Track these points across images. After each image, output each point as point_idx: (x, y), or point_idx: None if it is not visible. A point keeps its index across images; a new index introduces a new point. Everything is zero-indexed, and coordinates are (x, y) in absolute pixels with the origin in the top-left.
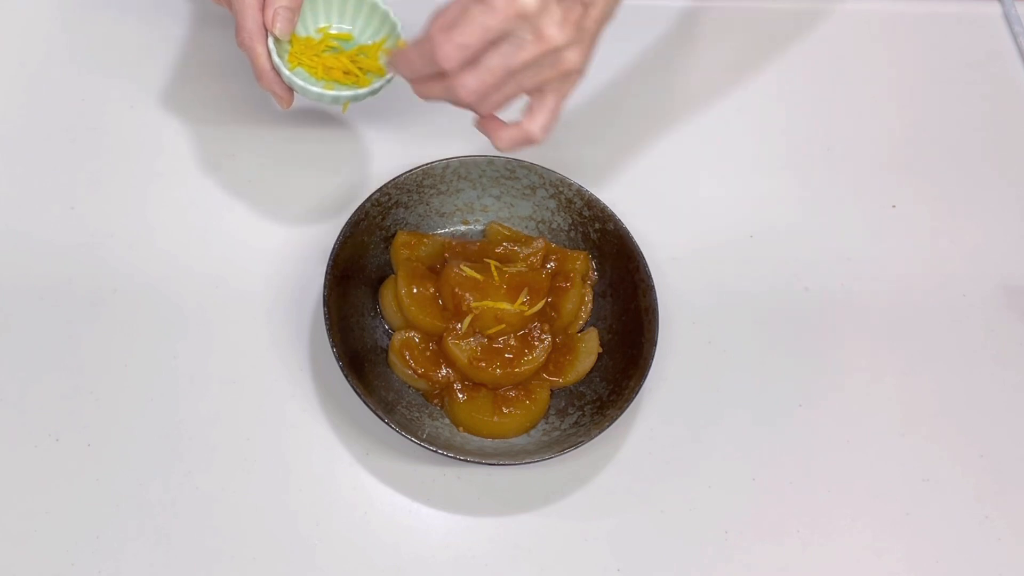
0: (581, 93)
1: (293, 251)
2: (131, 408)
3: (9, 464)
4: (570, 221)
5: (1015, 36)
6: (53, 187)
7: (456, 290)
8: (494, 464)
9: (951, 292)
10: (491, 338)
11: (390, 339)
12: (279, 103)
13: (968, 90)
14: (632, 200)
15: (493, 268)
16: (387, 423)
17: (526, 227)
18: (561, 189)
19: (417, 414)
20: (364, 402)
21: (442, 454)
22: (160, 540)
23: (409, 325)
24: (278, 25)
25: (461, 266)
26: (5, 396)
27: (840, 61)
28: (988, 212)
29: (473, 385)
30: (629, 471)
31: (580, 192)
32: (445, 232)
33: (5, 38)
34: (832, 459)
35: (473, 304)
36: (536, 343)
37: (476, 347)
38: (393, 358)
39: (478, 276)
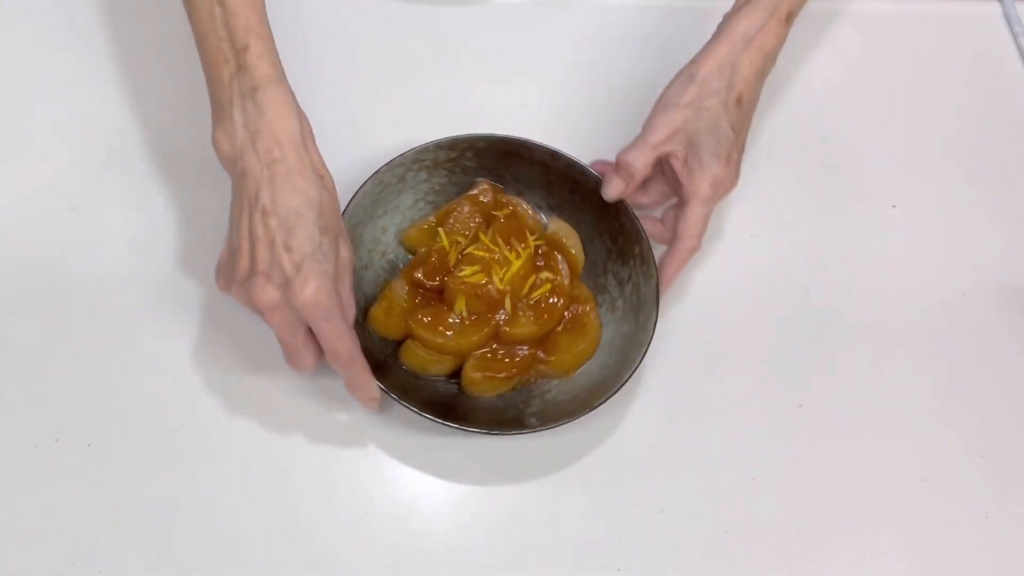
0: (584, 95)
1: None
2: (131, 408)
3: (9, 464)
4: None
5: (1015, 36)
6: (53, 187)
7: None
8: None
9: (951, 292)
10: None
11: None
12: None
13: (968, 90)
14: None
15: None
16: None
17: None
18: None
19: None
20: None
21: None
22: (160, 540)
23: (457, 353)
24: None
25: (458, 279)
26: (5, 396)
27: (840, 61)
28: (988, 212)
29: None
30: (629, 471)
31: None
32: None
33: (4, 37)
34: (832, 459)
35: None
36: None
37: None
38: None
39: (479, 276)
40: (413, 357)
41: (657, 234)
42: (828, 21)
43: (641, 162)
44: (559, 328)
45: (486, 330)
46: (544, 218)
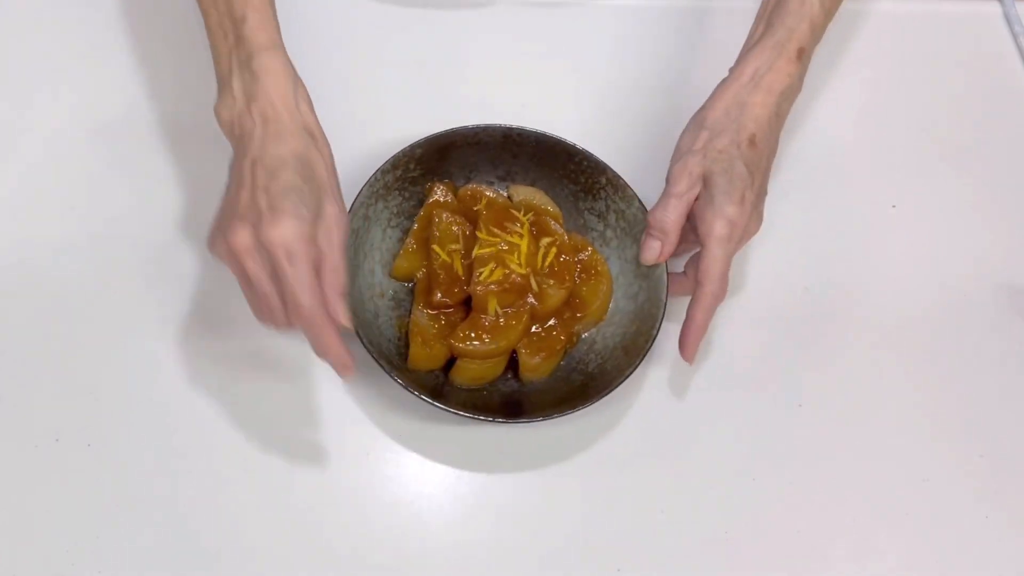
0: (585, 95)
1: None
2: (131, 408)
3: (9, 464)
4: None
5: (1015, 36)
6: (53, 187)
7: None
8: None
9: (951, 292)
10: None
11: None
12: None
13: (968, 90)
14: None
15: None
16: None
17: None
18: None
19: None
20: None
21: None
22: (160, 540)
23: (507, 351)
24: (342, 313)
25: (481, 283)
26: (5, 396)
27: (840, 61)
28: (988, 212)
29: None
30: (629, 471)
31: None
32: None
33: (6, 38)
34: (832, 459)
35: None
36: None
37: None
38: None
39: (499, 271)
40: (467, 374)
41: (683, 288)
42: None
43: (672, 218)
44: (577, 281)
45: (525, 318)
46: (503, 191)
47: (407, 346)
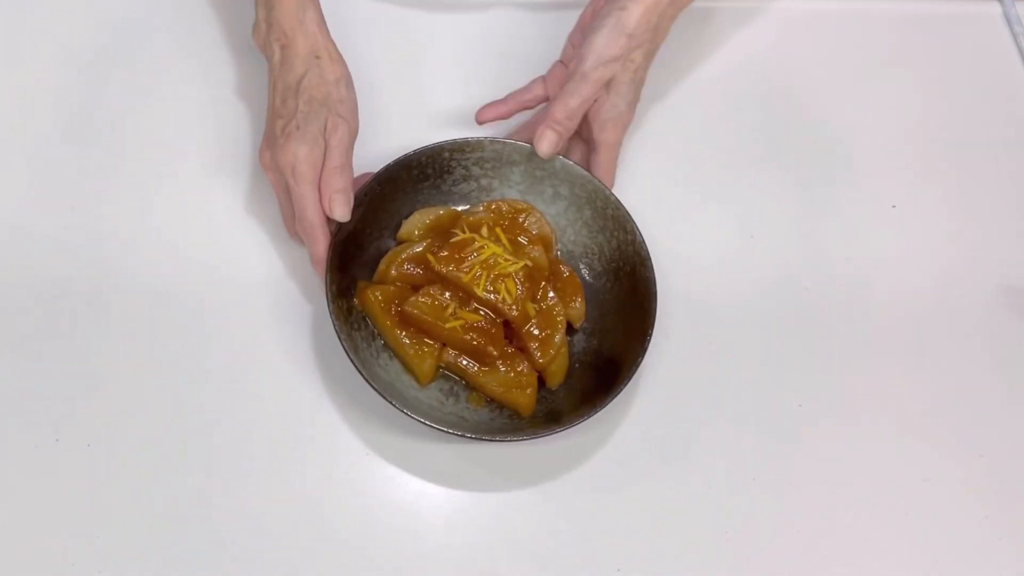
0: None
1: (294, 252)
2: (131, 408)
3: (9, 464)
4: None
5: (1015, 36)
6: (53, 187)
7: (477, 334)
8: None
9: (951, 292)
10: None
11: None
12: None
13: (968, 90)
14: (633, 200)
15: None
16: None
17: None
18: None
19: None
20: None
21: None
22: (160, 540)
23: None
24: (337, 209)
25: (517, 304)
26: (5, 396)
27: (840, 61)
28: (988, 212)
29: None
30: (629, 471)
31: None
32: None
33: (6, 38)
34: (832, 459)
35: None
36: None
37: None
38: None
39: (510, 285)
40: (559, 368)
41: (539, 95)
42: (828, 21)
43: (577, 118)
44: (537, 242)
45: (549, 290)
46: (393, 243)
47: (501, 405)
